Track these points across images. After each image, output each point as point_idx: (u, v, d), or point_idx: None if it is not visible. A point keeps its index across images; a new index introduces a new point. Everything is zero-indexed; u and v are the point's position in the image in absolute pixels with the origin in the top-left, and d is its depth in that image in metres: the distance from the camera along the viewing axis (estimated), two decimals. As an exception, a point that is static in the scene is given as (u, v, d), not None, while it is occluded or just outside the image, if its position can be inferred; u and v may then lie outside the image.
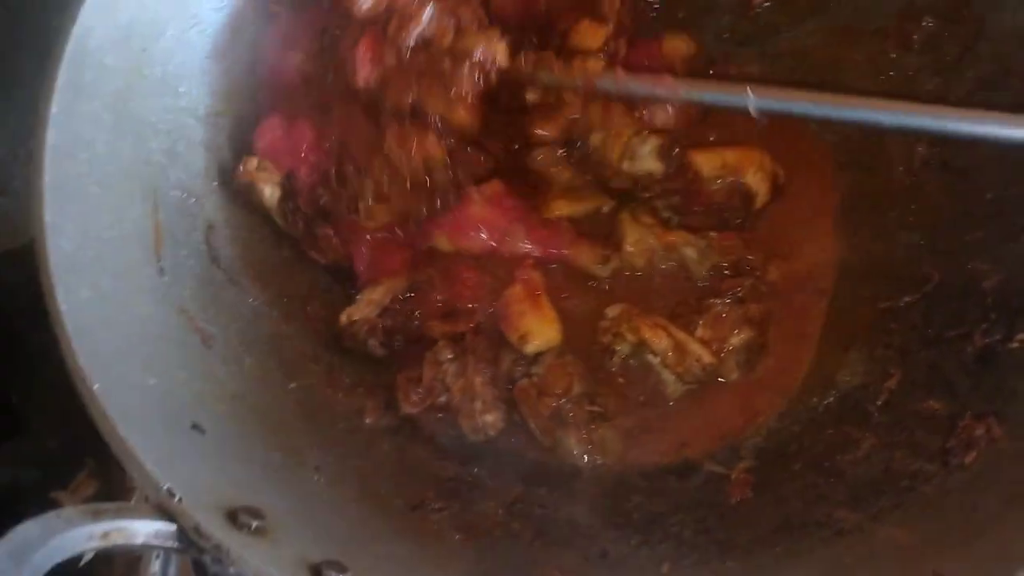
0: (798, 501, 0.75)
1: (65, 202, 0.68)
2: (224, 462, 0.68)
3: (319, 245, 0.89)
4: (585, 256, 0.91)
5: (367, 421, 0.85)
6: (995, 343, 0.74)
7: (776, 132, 0.87)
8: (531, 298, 0.87)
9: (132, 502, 0.73)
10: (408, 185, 0.84)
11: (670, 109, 0.92)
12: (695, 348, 0.85)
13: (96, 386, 0.61)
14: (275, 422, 0.78)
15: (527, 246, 0.90)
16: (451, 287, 0.90)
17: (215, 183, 0.87)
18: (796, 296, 0.90)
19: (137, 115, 0.78)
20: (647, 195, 0.92)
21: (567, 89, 0.87)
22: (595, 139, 0.92)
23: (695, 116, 0.93)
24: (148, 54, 0.79)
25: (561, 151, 0.94)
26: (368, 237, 0.89)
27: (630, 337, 0.86)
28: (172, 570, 0.84)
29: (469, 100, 0.82)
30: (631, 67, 0.90)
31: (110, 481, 0.96)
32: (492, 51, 0.81)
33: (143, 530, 0.58)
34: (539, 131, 0.92)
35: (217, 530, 0.57)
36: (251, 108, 0.90)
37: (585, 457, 0.83)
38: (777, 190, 0.93)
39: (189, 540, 0.58)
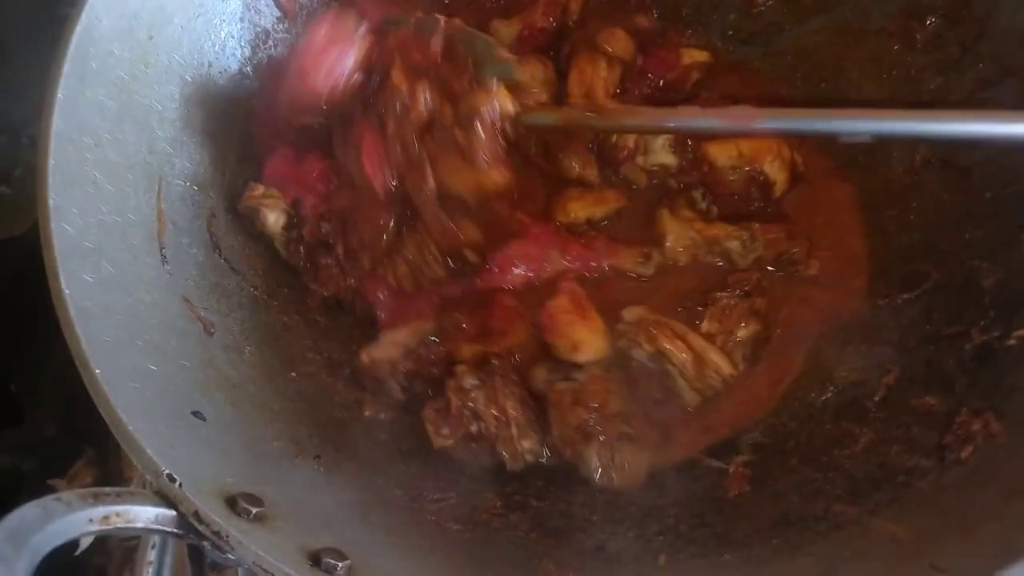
0: (795, 495, 0.75)
1: (69, 186, 0.68)
2: (224, 449, 0.68)
3: (320, 276, 0.88)
4: (626, 260, 0.90)
5: (366, 413, 0.85)
6: (993, 340, 0.74)
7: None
8: (578, 308, 0.85)
9: (132, 487, 0.74)
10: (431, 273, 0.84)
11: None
12: (713, 358, 0.84)
13: (98, 371, 0.61)
14: (275, 411, 0.78)
15: (566, 264, 0.90)
16: (487, 313, 0.88)
17: (219, 173, 0.87)
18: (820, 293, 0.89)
19: (142, 103, 0.78)
20: (679, 186, 0.92)
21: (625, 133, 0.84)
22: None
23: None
24: (154, 43, 0.79)
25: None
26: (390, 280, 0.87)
27: (647, 347, 0.85)
28: (168, 559, 0.84)
29: (498, 158, 0.78)
30: (650, 74, 0.91)
31: (107, 470, 0.96)
32: (496, 104, 0.77)
33: (143, 515, 0.58)
34: (571, 163, 0.93)
35: (217, 516, 0.58)
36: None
37: (599, 475, 0.80)
38: (796, 178, 0.92)
39: (189, 526, 0.58)
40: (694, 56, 0.96)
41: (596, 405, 0.80)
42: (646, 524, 0.76)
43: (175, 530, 0.59)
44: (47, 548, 0.53)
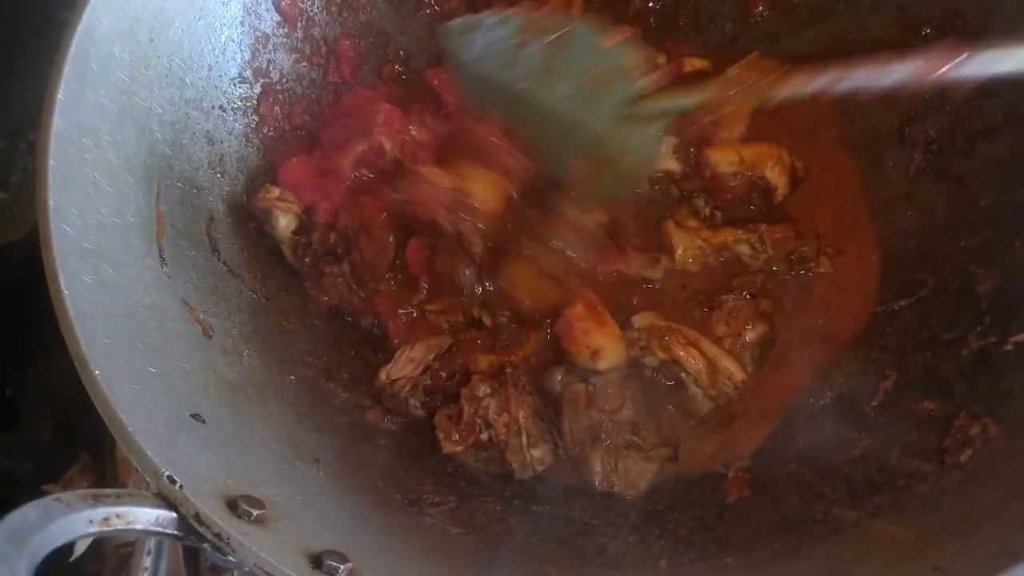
0: (795, 499, 0.75)
1: (69, 186, 0.67)
2: (224, 452, 0.67)
3: (324, 285, 0.88)
4: (636, 265, 0.90)
5: (369, 418, 0.85)
6: (990, 345, 0.75)
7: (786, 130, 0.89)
8: (594, 315, 0.85)
9: (130, 488, 0.73)
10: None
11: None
12: (726, 364, 0.84)
13: (97, 372, 0.61)
14: (274, 414, 0.77)
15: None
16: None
17: (217, 176, 0.87)
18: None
19: (142, 105, 0.78)
20: (682, 193, 0.92)
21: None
22: None
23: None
24: (155, 45, 0.79)
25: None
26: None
27: (660, 355, 0.85)
28: (163, 565, 0.83)
29: None
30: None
31: (103, 475, 0.95)
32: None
33: (143, 517, 0.57)
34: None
35: (218, 518, 0.57)
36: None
37: (599, 481, 0.81)
38: (796, 183, 0.93)
39: (189, 528, 0.57)
40: (695, 64, 0.97)
41: (609, 409, 0.80)
42: (647, 528, 0.76)
43: (175, 532, 0.58)
44: (47, 549, 0.52)
